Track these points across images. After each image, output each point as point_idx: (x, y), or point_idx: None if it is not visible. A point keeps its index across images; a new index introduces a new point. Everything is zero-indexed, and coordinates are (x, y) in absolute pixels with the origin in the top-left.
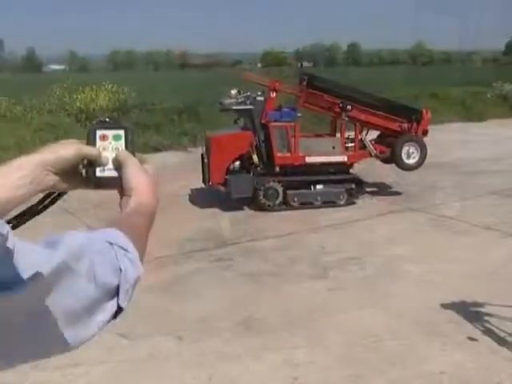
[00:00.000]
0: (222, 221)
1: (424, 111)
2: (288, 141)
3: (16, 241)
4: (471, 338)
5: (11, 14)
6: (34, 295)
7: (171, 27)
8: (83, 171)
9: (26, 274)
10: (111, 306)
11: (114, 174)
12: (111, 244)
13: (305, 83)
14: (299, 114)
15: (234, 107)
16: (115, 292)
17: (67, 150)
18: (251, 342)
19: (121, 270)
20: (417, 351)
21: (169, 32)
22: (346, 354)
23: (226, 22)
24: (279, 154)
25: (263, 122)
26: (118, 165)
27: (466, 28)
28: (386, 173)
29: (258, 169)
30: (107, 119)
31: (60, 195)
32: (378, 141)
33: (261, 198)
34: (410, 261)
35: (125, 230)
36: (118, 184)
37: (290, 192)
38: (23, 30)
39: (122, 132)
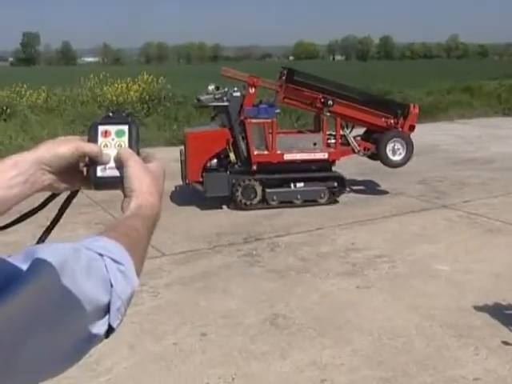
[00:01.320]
0: None
1: (411, 106)
2: (265, 138)
3: None
4: (506, 343)
5: (47, 7)
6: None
7: (203, 20)
8: (84, 170)
9: None
10: (101, 325)
11: (116, 173)
12: (101, 255)
13: (284, 78)
14: (277, 111)
15: (211, 103)
16: (106, 309)
17: (65, 147)
18: (277, 339)
19: (112, 284)
20: (448, 355)
21: (201, 25)
22: (374, 356)
23: (259, 15)
24: (256, 152)
25: (242, 118)
26: (120, 163)
27: (504, 20)
28: (414, 169)
29: (236, 166)
30: (111, 114)
31: (72, 196)
32: (365, 137)
33: (238, 196)
34: (441, 259)
35: (120, 238)
36: (120, 184)
37: (268, 190)
38: (59, 23)
39: (125, 127)
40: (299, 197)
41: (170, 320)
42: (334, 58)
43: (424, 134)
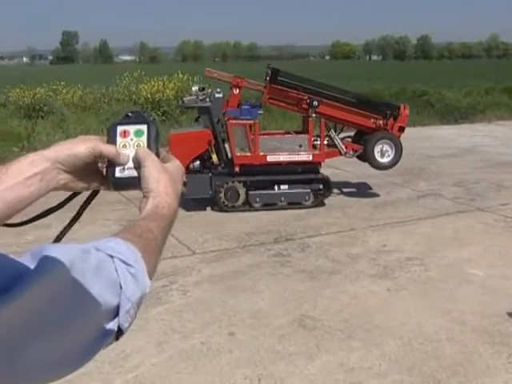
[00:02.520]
0: None
1: (402, 107)
2: (247, 139)
3: None
4: None
5: (87, 6)
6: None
7: (239, 19)
8: (104, 170)
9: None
10: (111, 327)
11: (134, 173)
12: (112, 257)
13: (268, 78)
14: (260, 112)
15: (193, 105)
16: (115, 312)
17: (82, 147)
18: (305, 341)
19: (121, 287)
20: (480, 362)
21: (237, 23)
22: (403, 360)
23: (296, 15)
24: (238, 154)
25: (225, 119)
26: (138, 163)
27: None
28: (450, 170)
29: (219, 168)
30: (130, 114)
31: (92, 196)
32: (355, 139)
33: (221, 198)
34: (475, 264)
35: (134, 240)
36: (138, 184)
37: (251, 192)
38: (97, 21)
39: (144, 127)
40: (283, 199)
41: (198, 318)
42: (370, 58)
43: (461, 135)
